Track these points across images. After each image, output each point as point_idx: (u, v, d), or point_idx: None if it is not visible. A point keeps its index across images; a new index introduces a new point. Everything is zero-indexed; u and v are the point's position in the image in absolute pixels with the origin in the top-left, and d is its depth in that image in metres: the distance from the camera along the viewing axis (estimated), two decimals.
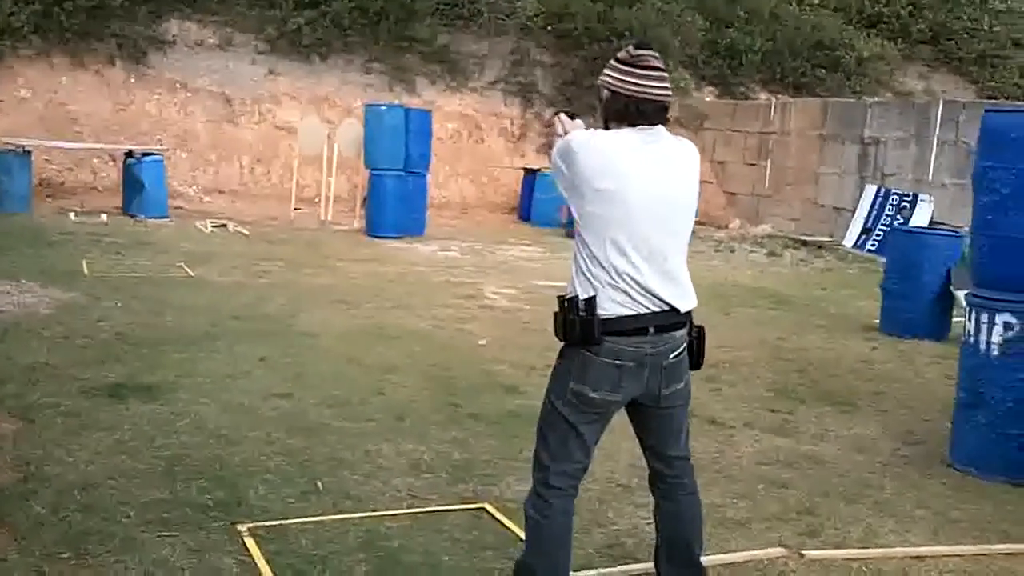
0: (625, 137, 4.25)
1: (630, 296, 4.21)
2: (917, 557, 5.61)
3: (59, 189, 20.50)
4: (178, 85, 22.49)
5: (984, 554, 5.71)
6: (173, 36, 22.80)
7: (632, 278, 4.20)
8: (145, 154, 18.97)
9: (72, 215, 17.98)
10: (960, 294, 10.78)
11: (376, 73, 24.04)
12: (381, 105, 19.58)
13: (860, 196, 20.29)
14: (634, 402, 4.45)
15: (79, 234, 15.76)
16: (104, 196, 20.18)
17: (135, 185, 18.55)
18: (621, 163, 4.18)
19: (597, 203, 4.17)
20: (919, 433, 8.06)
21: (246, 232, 17.65)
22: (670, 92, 4.32)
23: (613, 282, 4.20)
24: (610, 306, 4.20)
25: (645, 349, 4.27)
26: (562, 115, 4.50)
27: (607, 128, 4.37)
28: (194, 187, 21.71)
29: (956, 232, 13.08)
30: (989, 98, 26.52)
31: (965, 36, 29.40)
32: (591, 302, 4.20)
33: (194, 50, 22.91)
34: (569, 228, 17.38)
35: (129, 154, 19.02)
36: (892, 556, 5.60)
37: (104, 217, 17.93)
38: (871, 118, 20.55)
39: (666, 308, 4.28)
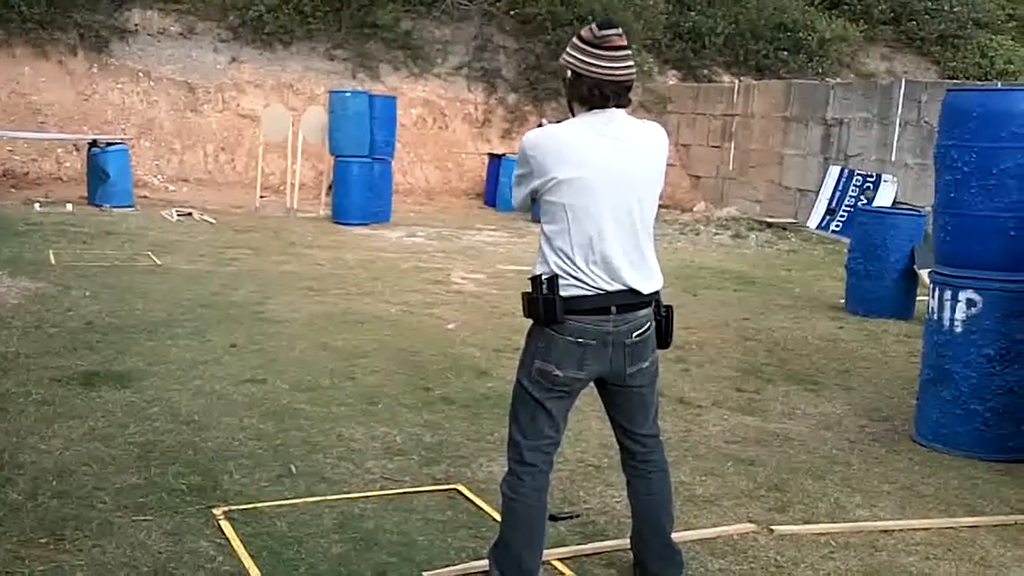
0: (583, 125, 4.30)
1: (592, 277, 4.26)
2: (885, 531, 5.69)
3: (23, 180, 20.43)
4: (141, 74, 22.41)
5: (950, 527, 5.80)
6: (135, 25, 22.70)
7: (594, 260, 4.25)
8: (109, 143, 18.89)
9: (37, 205, 17.91)
10: (924, 273, 10.88)
11: (339, 60, 23.99)
12: (346, 91, 19.54)
13: (824, 177, 20.38)
14: (602, 381, 4.51)
15: (45, 224, 15.69)
16: (69, 186, 20.11)
17: (100, 175, 18.45)
18: (582, 151, 4.23)
19: (560, 194, 4.22)
20: (885, 410, 8.16)
21: (212, 220, 17.62)
22: (634, 71, 4.34)
23: (577, 269, 4.25)
24: (572, 286, 4.26)
25: (607, 328, 4.31)
26: (545, 123, 4.55)
27: (571, 108, 4.42)
28: (159, 176, 21.65)
29: (919, 211, 13.20)
30: (951, 78, 26.68)
31: (926, 17, 29.55)
32: (553, 281, 4.25)
33: (157, 39, 22.82)
34: (536, 214, 17.47)
35: (94, 144, 18.93)
36: (860, 530, 5.68)
37: (69, 207, 17.86)
38: (834, 99, 20.64)
39: (628, 289, 4.33)
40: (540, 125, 4.65)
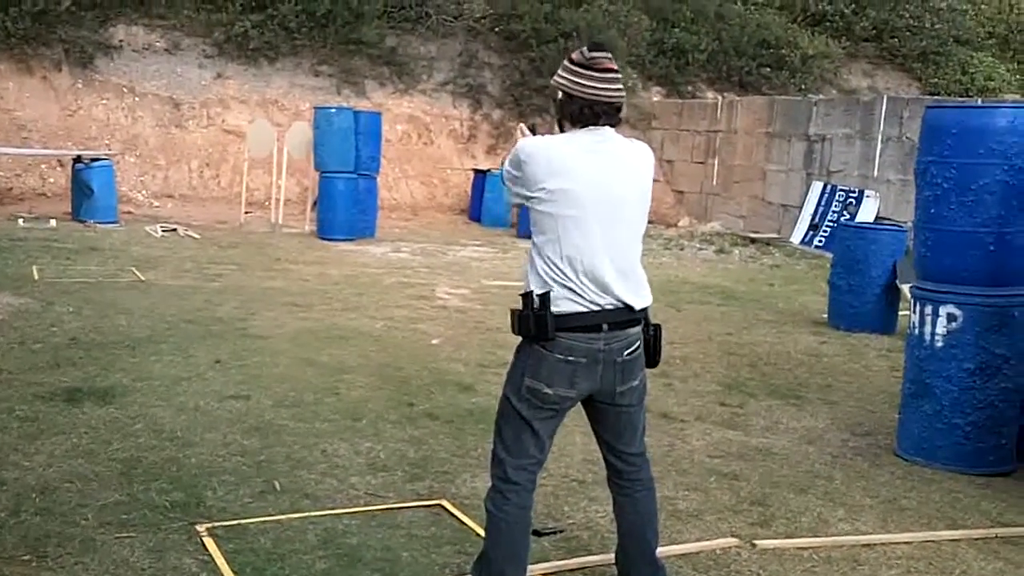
0: (574, 140, 4.34)
1: (583, 293, 4.27)
2: (867, 545, 5.71)
3: (7, 195, 20.39)
4: (126, 90, 22.40)
5: (932, 541, 5.83)
6: (120, 41, 22.70)
7: (585, 275, 4.26)
8: (94, 159, 18.85)
9: (21, 221, 17.87)
10: (905, 287, 10.92)
11: (324, 76, 24.02)
12: (331, 107, 19.54)
13: (807, 193, 20.45)
14: (590, 399, 4.51)
15: (29, 240, 15.67)
16: (53, 202, 20.09)
17: (84, 190, 18.42)
18: (571, 164, 4.26)
19: (549, 204, 4.25)
20: (867, 424, 8.18)
21: (196, 236, 17.60)
22: (623, 93, 4.40)
23: (567, 279, 4.26)
24: (564, 303, 4.27)
25: (598, 345, 4.32)
26: (523, 126, 4.61)
27: (561, 128, 4.45)
28: (143, 192, 21.62)
29: (901, 227, 13.25)
30: (932, 94, 26.81)
31: (908, 34, 29.73)
32: (545, 298, 4.26)
33: (141, 54, 22.82)
34: (522, 230, 17.51)
35: (78, 159, 18.89)
36: (842, 544, 5.71)
37: (53, 223, 17.81)
38: (817, 115, 20.72)
39: (620, 305, 4.34)
40: (532, 127, 4.69)
